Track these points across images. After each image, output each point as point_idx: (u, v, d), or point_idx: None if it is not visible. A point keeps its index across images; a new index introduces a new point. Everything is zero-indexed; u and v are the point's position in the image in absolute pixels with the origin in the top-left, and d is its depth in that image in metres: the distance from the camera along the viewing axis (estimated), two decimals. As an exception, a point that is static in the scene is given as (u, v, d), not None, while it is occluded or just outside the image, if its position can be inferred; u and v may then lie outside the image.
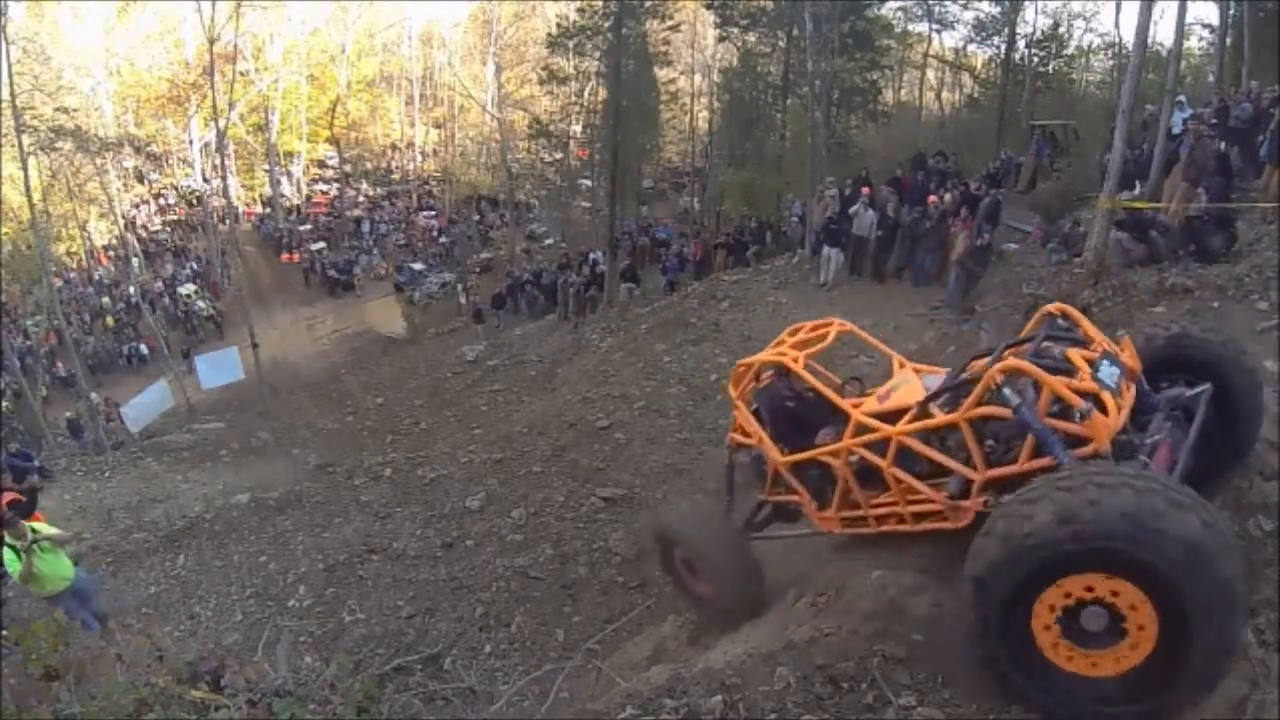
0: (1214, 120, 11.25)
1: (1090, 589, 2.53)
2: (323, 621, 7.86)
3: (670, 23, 25.72)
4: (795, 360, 4.34)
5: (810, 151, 16.46)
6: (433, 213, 34.60)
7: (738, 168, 24.93)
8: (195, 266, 31.16)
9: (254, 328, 20.69)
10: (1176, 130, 11.17)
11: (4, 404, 19.02)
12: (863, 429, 3.81)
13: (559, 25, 27.69)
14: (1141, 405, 3.38)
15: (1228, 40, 18.39)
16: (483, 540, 9.14)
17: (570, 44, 25.94)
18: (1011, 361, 3.26)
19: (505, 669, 6.77)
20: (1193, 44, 24.20)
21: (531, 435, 12.05)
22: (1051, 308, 3.87)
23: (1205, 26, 23.61)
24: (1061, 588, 2.56)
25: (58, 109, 25.41)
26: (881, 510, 3.93)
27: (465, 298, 25.08)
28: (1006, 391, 3.19)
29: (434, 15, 38.02)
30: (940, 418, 3.52)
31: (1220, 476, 3.63)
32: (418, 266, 29.86)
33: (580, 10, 25.31)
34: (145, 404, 19.62)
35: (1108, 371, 3.23)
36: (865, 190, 14.16)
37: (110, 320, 27.81)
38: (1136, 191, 10.91)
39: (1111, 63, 25.21)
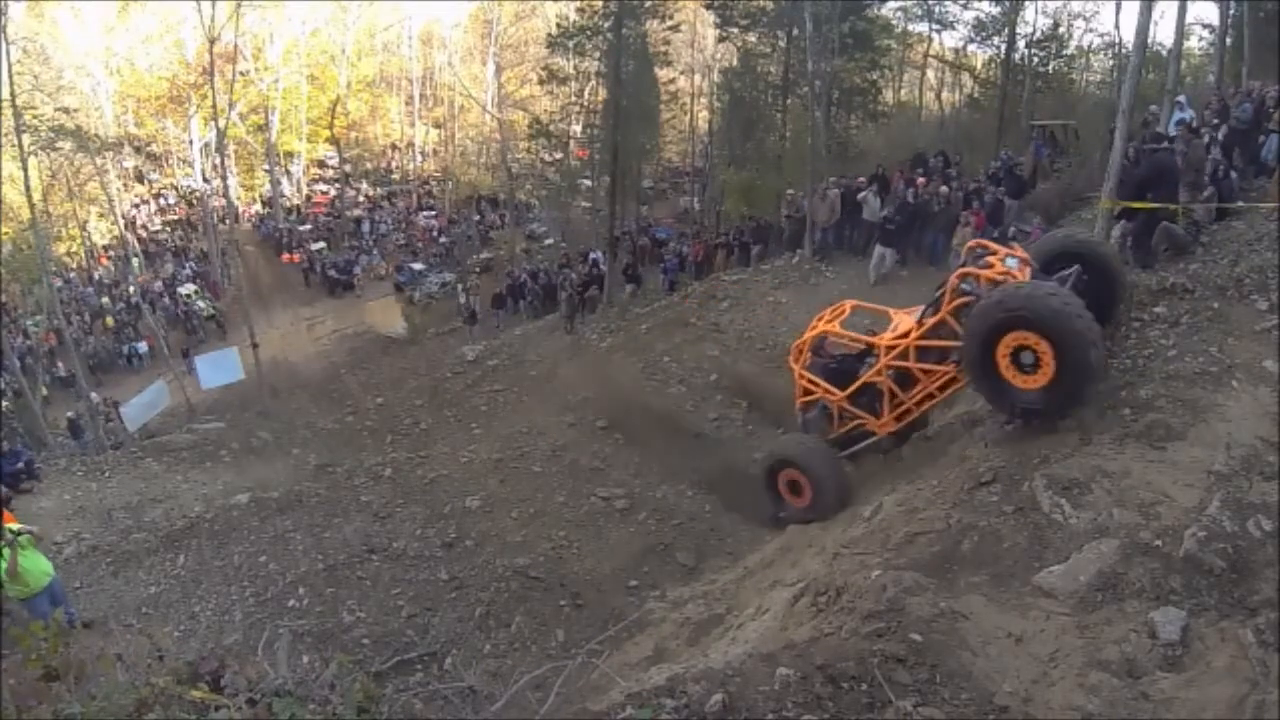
0: (1215, 120, 11.24)
1: (1022, 340, 4.80)
2: (322, 621, 7.85)
3: (670, 23, 25.66)
4: (832, 326, 6.80)
5: (810, 151, 16.46)
6: (433, 213, 34.58)
7: (738, 168, 24.91)
8: (195, 266, 31.15)
9: (254, 328, 20.68)
10: (1172, 133, 11.16)
11: (4, 404, 19.01)
12: (889, 349, 6.02)
13: (559, 25, 27.68)
14: (1036, 279, 5.48)
15: (1228, 40, 18.40)
16: (483, 540, 9.15)
17: (570, 44, 25.91)
18: (961, 270, 5.69)
19: (505, 669, 6.77)
20: (1193, 44, 24.29)
21: (531, 435, 12.05)
22: (972, 243, 6.30)
23: (1205, 26, 23.69)
24: (1008, 338, 4.84)
25: (58, 109, 25.43)
26: (918, 397, 6.02)
27: (465, 298, 25.06)
28: (965, 285, 5.59)
29: (434, 15, 38.09)
30: (931, 320, 5.83)
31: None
32: (418, 266, 29.84)
33: (580, 10, 25.30)
34: (144, 404, 19.57)
35: (1011, 262, 5.57)
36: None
37: (110, 320, 27.80)
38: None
39: (1111, 63, 25.21)
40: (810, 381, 6.69)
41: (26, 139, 19.00)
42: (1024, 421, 4.96)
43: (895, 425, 6.28)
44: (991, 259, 5.64)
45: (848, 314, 6.88)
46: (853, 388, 6.33)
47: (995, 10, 25.16)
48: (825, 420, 6.79)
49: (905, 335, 5.95)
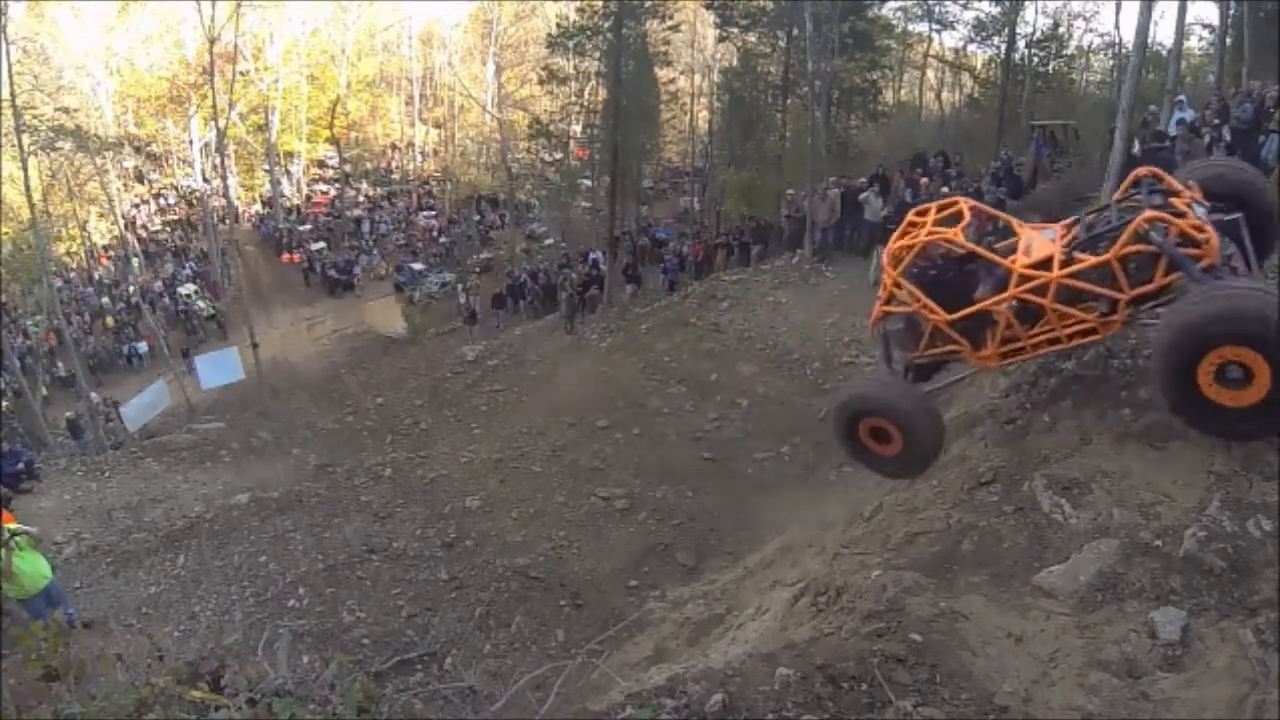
0: (1215, 121, 11.24)
1: (1230, 355, 3.96)
2: (322, 621, 7.86)
3: (670, 23, 25.68)
4: (954, 234, 5.32)
5: (810, 151, 16.46)
6: (433, 213, 34.58)
7: (738, 168, 24.91)
8: (195, 266, 31.15)
9: (254, 328, 20.69)
10: (1173, 132, 11.17)
11: (4, 404, 19.01)
12: (1024, 279, 4.93)
13: (559, 25, 27.69)
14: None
15: (1228, 40, 18.39)
16: (483, 540, 9.15)
17: (570, 44, 25.92)
18: (1151, 213, 4.48)
19: (505, 669, 6.77)
20: (1193, 44, 24.27)
21: (531, 435, 12.06)
22: (1141, 171, 5.11)
23: (1205, 26, 23.68)
24: (1216, 353, 3.97)
25: (58, 109, 25.42)
26: (1038, 339, 5.06)
27: (465, 298, 25.06)
28: (1154, 234, 4.42)
29: (434, 15, 38.09)
30: (1092, 259, 4.68)
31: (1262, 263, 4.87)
32: (418, 266, 29.84)
33: (580, 10, 25.30)
34: (144, 404, 19.58)
35: (1199, 211, 4.48)
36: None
37: (110, 320, 27.80)
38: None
39: (1111, 63, 25.20)
40: (908, 292, 5.43)
41: (26, 139, 19.00)
42: (1232, 441, 4.20)
43: (998, 363, 5.32)
44: (1177, 201, 4.64)
45: (968, 220, 5.55)
46: (966, 312, 5.17)
47: (995, 10, 25.18)
48: (910, 336, 5.59)
49: (1044, 263, 4.91)
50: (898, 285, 5.45)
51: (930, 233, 5.47)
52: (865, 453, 5.72)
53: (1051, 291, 4.77)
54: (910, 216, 5.71)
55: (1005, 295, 4.96)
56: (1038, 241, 5.14)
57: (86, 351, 24.66)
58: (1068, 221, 5.28)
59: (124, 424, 18.88)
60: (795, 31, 23.10)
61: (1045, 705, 2.98)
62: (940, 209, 5.61)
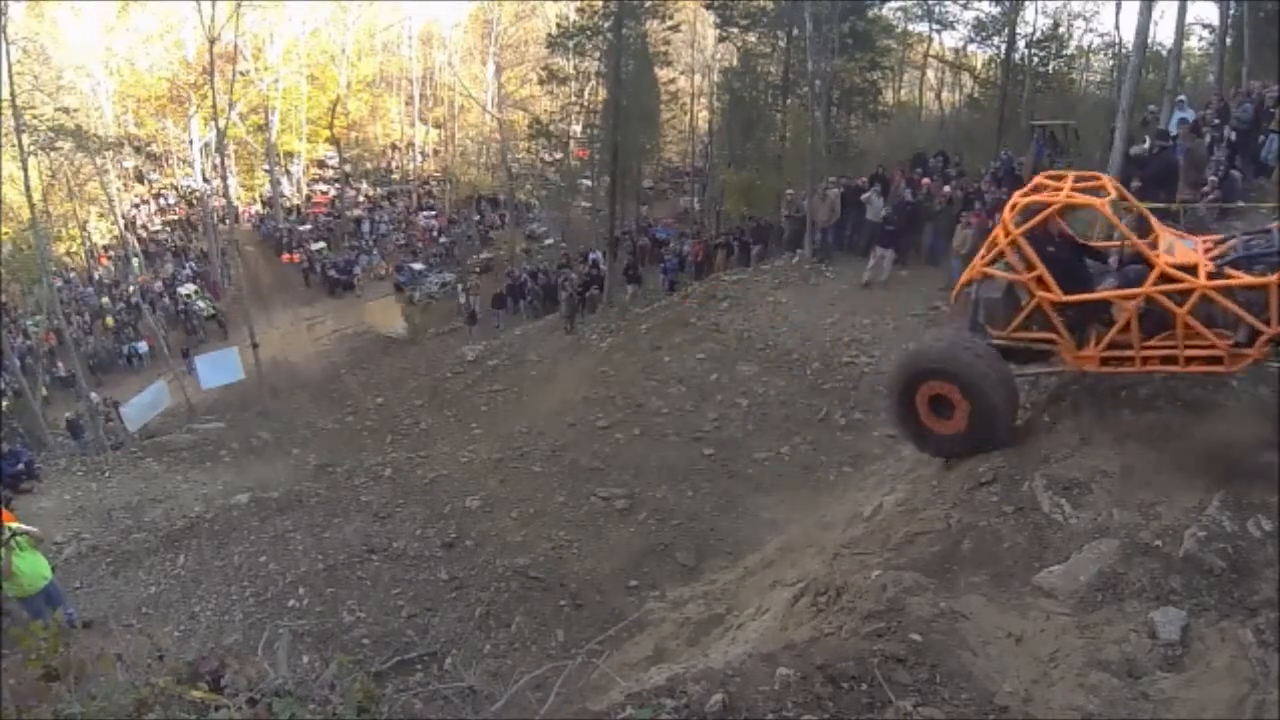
0: (1215, 121, 11.25)
1: None
2: (322, 621, 7.86)
3: (670, 23, 25.67)
4: (1102, 205, 4.62)
5: (810, 151, 16.46)
6: (433, 213, 34.56)
7: (738, 168, 24.90)
8: (195, 266, 31.15)
9: (254, 328, 20.68)
10: (1174, 132, 11.18)
11: (4, 404, 19.01)
12: (1163, 278, 4.32)
13: (559, 25, 27.67)
14: None
15: (1228, 40, 18.39)
16: (483, 540, 9.15)
17: (570, 44, 25.91)
18: None
19: (505, 669, 6.77)
20: (1193, 44, 24.28)
21: (531, 435, 12.06)
22: None
23: (1205, 26, 23.69)
24: None
25: (58, 109, 25.40)
26: (1152, 353, 4.44)
27: (465, 298, 25.06)
28: None
29: (434, 15, 38.07)
30: (1249, 279, 4.15)
31: None
32: (418, 266, 29.83)
33: (580, 10, 25.30)
34: (143, 404, 19.57)
35: None
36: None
37: (110, 320, 27.78)
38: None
39: (1111, 63, 25.20)
40: (1023, 256, 4.66)
41: (26, 139, 18.99)
42: None
43: (1095, 367, 4.62)
44: None
45: (1113, 196, 4.80)
46: (1085, 297, 4.53)
47: (995, 10, 25.17)
48: (1004, 309, 4.83)
49: (1188, 269, 4.33)
50: (1014, 245, 4.68)
51: (1074, 193, 4.76)
52: (916, 426, 5.00)
53: (1191, 301, 4.21)
54: (1040, 179, 5.05)
55: (1140, 291, 4.36)
56: (1179, 247, 4.64)
57: (86, 351, 24.65)
58: (1215, 236, 4.81)
59: (124, 424, 18.88)
60: (795, 31, 23.10)
61: (1045, 705, 2.98)
62: (1079, 179, 4.98)
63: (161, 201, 35.51)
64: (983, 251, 4.92)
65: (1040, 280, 4.60)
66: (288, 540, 9.43)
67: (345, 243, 32.35)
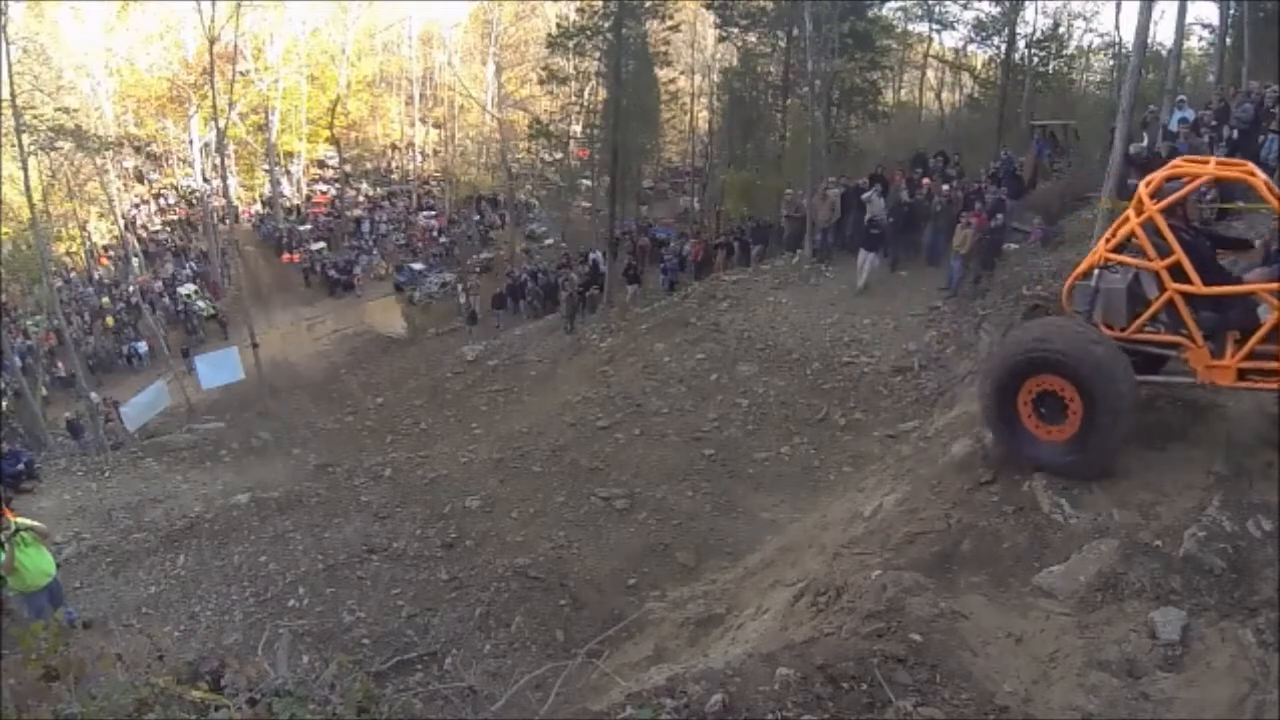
0: (1214, 121, 11.25)
1: None
2: (322, 621, 7.86)
3: (670, 23, 25.68)
4: (1261, 184, 3.88)
5: (810, 151, 16.46)
6: (433, 213, 34.58)
7: (738, 168, 24.91)
8: (195, 266, 31.15)
9: (254, 328, 20.67)
10: (1174, 130, 11.19)
11: (4, 404, 19.00)
12: None
13: (559, 25, 27.66)
14: None
15: (1228, 40, 18.40)
16: (483, 540, 9.15)
17: (570, 44, 25.88)
18: None
19: (505, 669, 6.77)
20: (1193, 44, 24.29)
21: (531, 435, 12.05)
22: None
23: (1205, 26, 23.69)
24: None
25: (58, 109, 25.37)
26: None
27: (465, 298, 25.06)
28: None
29: (434, 15, 38.07)
30: None
31: None
32: (418, 266, 29.84)
33: (580, 10, 25.28)
34: (144, 404, 19.57)
35: None
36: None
37: (110, 320, 27.78)
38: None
39: (1111, 63, 25.21)
40: (1157, 241, 3.94)
41: (26, 139, 18.98)
42: None
43: (1229, 380, 3.88)
44: None
45: (1261, 179, 4.01)
46: (1231, 289, 3.84)
47: (995, 10, 25.18)
48: (1126, 304, 4.11)
49: None
50: (1147, 226, 3.95)
51: (1225, 166, 4.09)
52: (1017, 429, 4.24)
53: None
54: (1180, 161, 4.34)
55: None
56: None
57: (86, 351, 24.65)
58: None
59: (124, 424, 18.87)
60: (795, 31, 23.11)
61: (1045, 705, 2.99)
62: (1222, 164, 4.31)
63: (161, 201, 35.50)
64: (1107, 234, 4.17)
65: (1176, 269, 3.86)
66: (288, 540, 9.43)
67: (345, 243, 32.36)
